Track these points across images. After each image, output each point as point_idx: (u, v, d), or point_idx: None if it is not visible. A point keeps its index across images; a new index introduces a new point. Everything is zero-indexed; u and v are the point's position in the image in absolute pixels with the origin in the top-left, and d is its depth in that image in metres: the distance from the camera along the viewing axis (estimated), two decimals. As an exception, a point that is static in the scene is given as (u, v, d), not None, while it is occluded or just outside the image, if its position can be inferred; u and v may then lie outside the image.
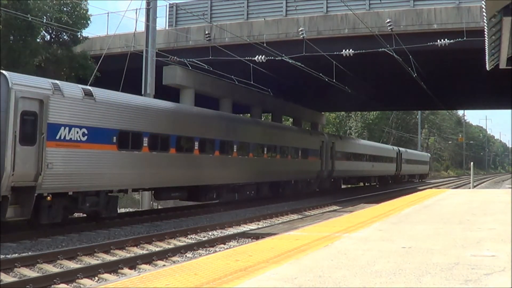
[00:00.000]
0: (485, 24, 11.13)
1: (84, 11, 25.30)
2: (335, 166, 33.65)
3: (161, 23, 43.43)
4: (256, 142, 24.47)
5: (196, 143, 19.57)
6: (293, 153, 28.14)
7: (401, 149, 54.81)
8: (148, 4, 20.54)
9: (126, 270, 10.51)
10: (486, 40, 12.48)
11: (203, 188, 20.25)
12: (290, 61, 22.04)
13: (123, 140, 15.74)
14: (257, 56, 21.66)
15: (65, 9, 24.62)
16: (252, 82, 24.24)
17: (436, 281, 5.12)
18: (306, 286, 4.96)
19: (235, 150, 22.21)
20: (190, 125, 19.39)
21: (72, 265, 10.94)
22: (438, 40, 19.87)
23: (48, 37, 25.92)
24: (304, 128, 39.50)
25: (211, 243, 13.62)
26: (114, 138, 15.36)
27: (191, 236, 15.12)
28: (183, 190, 19.22)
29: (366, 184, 46.25)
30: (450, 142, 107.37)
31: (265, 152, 25.20)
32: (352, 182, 43.20)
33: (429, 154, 74.87)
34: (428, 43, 20.22)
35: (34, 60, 22.85)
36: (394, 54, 21.35)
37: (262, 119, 37.07)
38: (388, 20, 20.90)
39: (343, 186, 41.85)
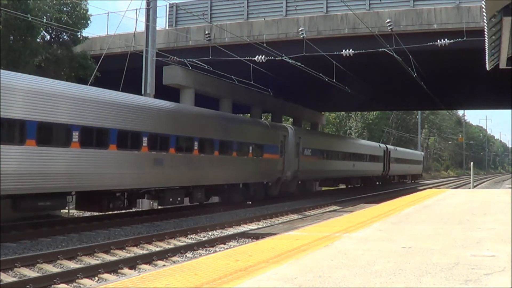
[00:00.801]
0: (485, 24, 11.13)
1: (84, 11, 25.29)
2: (301, 165, 28.68)
3: (161, 23, 43.48)
4: (181, 134, 19.16)
5: (75, 133, 14.50)
6: (241, 150, 22.95)
7: (389, 146, 50.88)
8: (148, 4, 20.53)
9: (126, 270, 10.52)
10: (486, 40, 12.49)
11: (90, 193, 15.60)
12: (290, 61, 22.03)
13: None
14: (257, 56, 21.66)
15: (65, 9, 24.62)
16: (252, 82, 24.24)
17: (436, 281, 5.11)
18: (306, 286, 4.96)
19: (144, 145, 16.99)
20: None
21: (72, 265, 10.95)
22: (438, 40, 19.87)
23: (48, 37, 25.91)
24: (261, 120, 30.78)
25: (211, 243, 13.63)
26: None
27: (191, 236, 15.12)
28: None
29: (349, 186, 42.17)
30: (450, 142, 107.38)
31: (195, 148, 19.82)
32: (331, 183, 38.75)
33: (422, 153, 70.16)
34: (428, 43, 20.22)
35: (34, 60, 22.84)
36: (394, 54, 21.35)
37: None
38: (388, 20, 20.90)
39: (323, 189, 39.00)
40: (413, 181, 60.39)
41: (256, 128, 24.98)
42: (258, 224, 18.15)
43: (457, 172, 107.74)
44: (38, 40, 23.65)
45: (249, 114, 35.23)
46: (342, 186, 41.69)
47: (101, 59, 19.53)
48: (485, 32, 11.82)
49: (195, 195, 20.17)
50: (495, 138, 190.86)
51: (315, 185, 35.19)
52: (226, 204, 22.44)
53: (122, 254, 12.33)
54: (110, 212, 17.99)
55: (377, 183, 47.48)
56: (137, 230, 15.59)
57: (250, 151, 23.61)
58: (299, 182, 29.91)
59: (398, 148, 56.29)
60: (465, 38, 19.75)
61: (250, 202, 24.41)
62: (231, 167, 22.05)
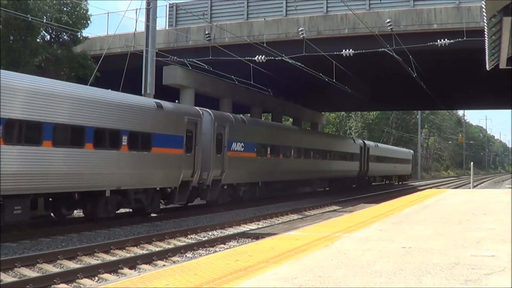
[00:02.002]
0: (485, 24, 11.13)
1: (84, 11, 25.33)
2: (228, 164, 21.24)
3: (161, 23, 43.44)
4: None
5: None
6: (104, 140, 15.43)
7: (368, 142, 43.87)
8: (148, 4, 20.53)
9: (126, 270, 10.51)
10: (486, 40, 12.49)
11: None
12: (290, 61, 22.04)
13: None
14: (257, 56, 21.67)
15: (65, 9, 24.66)
16: (252, 82, 24.24)
17: (436, 281, 5.11)
18: (306, 286, 4.96)
19: None
20: None
21: (72, 265, 10.94)
22: (438, 40, 19.88)
23: (48, 37, 25.95)
24: (146, 98, 19.39)
25: (211, 243, 13.62)
26: None
27: (191, 236, 15.11)
28: None
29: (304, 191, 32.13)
30: (450, 142, 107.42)
31: None
32: (279, 189, 27.30)
33: (411, 151, 62.15)
34: (428, 43, 20.23)
35: (34, 60, 22.87)
36: (394, 54, 21.36)
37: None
38: (388, 20, 20.91)
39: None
40: (400, 183, 53.62)
41: (135, 110, 16.45)
42: (258, 224, 18.14)
43: (457, 172, 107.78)
44: (38, 40, 23.68)
45: (249, 114, 35.25)
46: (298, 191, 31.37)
47: (101, 59, 19.54)
48: (485, 32, 11.83)
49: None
50: (495, 138, 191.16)
51: (256, 190, 24.66)
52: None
53: (122, 254, 12.32)
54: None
55: (353, 185, 39.85)
56: (137, 230, 15.58)
57: (124, 143, 15.86)
58: (225, 187, 21.55)
59: (380, 145, 49.88)
60: (465, 38, 19.77)
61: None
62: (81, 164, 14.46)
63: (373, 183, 46.49)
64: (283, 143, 27.13)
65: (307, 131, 36.95)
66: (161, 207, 18.63)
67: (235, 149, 22.19)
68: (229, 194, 22.46)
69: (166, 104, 18.16)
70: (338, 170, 34.84)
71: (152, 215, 18.21)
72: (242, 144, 22.77)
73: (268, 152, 25.58)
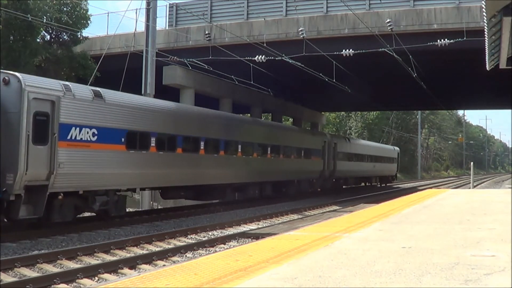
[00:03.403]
0: (485, 24, 11.14)
1: (84, 11, 25.34)
2: (56, 164, 13.71)
3: (161, 23, 43.59)
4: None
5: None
6: None
7: (335, 136, 37.96)
8: (148, 4, 20.54)
9: (126, 270, 10.51)
10: (486, 40, 12.49)
11: None
12: (290, 61, 22.04)
13: None
14: (257, 56, 21.66)
15: (65, 9, 24.66)
16: (252, 82, 24.24)
17: (436, 281, 5.11)
18: (306, 286, 4.96)
19: None
20: None
21: (72, 265, 10.94)
22: (438, 40, 19.88)
23: (48, 37, 25.96)
24: None
25: (211, 243, 13.62)
26: None
27: (191, 236, 15.11)
28: None
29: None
30: (450, 142, 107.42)
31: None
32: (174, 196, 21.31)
33: (397, 148, 54.26)
34: (428, 43, 20.23)
35: (34, 60, 22.87)
36: (394, 54, 21.36)
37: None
38: (388, 20, 20.91)
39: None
40: (383, 185, 47.41)
41: None
42: (258, 224, 18.14)
43: (457, 172, 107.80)
44: (38, 40, 23.68)
45: (249, 114, 35.24)
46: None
47: (101, 59, 19.54)
48: (485, 32, 11.83)
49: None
50: (495, 138, 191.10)
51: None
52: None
53: (122, 254, 12.33)
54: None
55: (313, 189, 31.98)
56: (137, 230, 15.58)
57: None
58: (60, 196, 14.11)
59: (355, 140, 44.06)
60: (465, 38, 19.77)
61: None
62: None
63: (345, 186, 39.02)
64: (181, 131, 18.91)
65: (228, 116, 24.55)
66: None
67: (81, 138, 14.64)
68: (75, 207, 14.91)
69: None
70: (287, 171, 27.10)
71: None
72: (95, 130, 15.09)
73: (153, 143, 17.25)
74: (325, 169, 32.13)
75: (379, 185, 46.55)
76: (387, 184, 48.42)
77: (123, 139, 15.89)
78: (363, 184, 44.18)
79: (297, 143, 28.56)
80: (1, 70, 13.37)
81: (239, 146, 22.85)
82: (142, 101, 17.85)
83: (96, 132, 15.16)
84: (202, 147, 20.00)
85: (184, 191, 20.10)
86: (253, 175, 23.94)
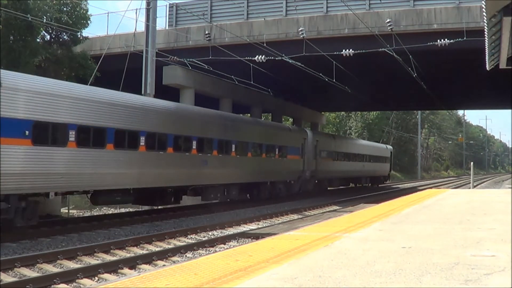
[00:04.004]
0: (485, 24, 11.14)
1: (84, 11, 25.31)
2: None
3: (161, 23, 43.59)
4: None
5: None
6: None
7: (317, 133, 34.94)
8: (148, 4, 20.54)
9: (126, 270, 10.51)
10: (486, 40, 12.49)
11: None
12: (290, 61, 22.04)
13: None
14: (257, 56, 21.66)
15: (65, 9, 24.64)
16: (252, 82, 24.24)
17: (436, 281, 5.11)
18: (306, 286, 4.96)
19: None
20: None
21: (72, 265, 10.95)
22: (438, 40, 19.88)
23: (48, 37, 25.92)
24: None
25: (211, 243, 13.63)
26: None
27: (191, 236, 15.12)
28: None
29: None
30: (450, 142, 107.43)
31: None
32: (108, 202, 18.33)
33: (390, 147, 51.44)
34: (428, 43, 20.23)
35: (34, 60, 22.85)
36: (394, 54, 21.35)
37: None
38: (388, 20, 20.91)
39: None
40: (374, 185, 44.60)
41: None
42: (258, 224, 18.15)
43: (457, 172, 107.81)
44: (38, 40, 23.67)
45: (249, 114, 35.24)
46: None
47: (101, 59, 19.54)
48: (485, 32, 11.83)
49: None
50: (495, 138, 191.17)
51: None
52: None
53: (122, 254, 12.33)
54: (110, 212, 18.07)
55: (299, 191, 29.30)
56: (137, 230, 15.59)
57: None
58: None
59: (341, 137, 41.42)
60: (465, 38, 19.77)
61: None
62: None
63: (330, 188, 35.96)
64: (114, 123, 15.73)
65: (181, 107, 21.21)
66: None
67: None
68: None
69: None
70: (257, 172, 24.16)
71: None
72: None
73: (72, 138, 14.24)
74: (305, 169, 29.27)
75: (368, 185, 43.87)
76: (379, 185, 45.77)
77: (27, 132, 12.98)
78: (352, 185, 41.68)
79: (269, 140, 25.63)
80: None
81: (194, 143, 19.63)
82: (52, 85, 14.20)
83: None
84: (142, 143, 16.76)
85: (120, 194, 16.69)
86: (212, 177, 20.74)
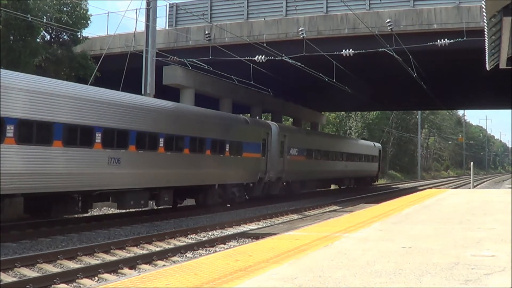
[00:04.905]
0: (485, 24, 11.14)
1: (84, 11, 25.33)
2: None
3: (161, 23, 43.57)
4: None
5: None
6: None
7: (284, 127, 30.84)
8: (148, 4, 20.54)
9: (126, 270, 10.51)
10: (486, 40, 12.50)
11: None
12: (290, 61, 22.04)
13: None
14: (257, 56, 21.67)
15: (65, 9, 24.65)
16: (252, 82, 24.24)
17: (436, 281, 5.11)
18: (306, 286, 4.96)
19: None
20: None
21: (72, 265, 10.94)
22: (438, 40, 19.89)
23: (48, 37, 25.94)
24: None
25: (211, 243, 13.63)
26: None
27: (191, 236, 15.12)
28: None
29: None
30: (450, 142, 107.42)
31: None
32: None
33: (378, 145, 46.96)
34: (428, 43, 20.24)
35: (34, 60, 22.85)
36: (394, 54, 21.36)
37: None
38: (388, 20, 20.92)
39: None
40: (367, 187, 41.28)
41: None
42: (258, 224, 18.14)
43: (457, 172, 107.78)
44: (38, 40, 23.67)
45: (249, 114, 35.24)
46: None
47: (101, 59, 19.55)
48: (485, 32, 11.84)
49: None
50: (495, 138, 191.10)
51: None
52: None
53: (122, 254, 12.33)
54: (110, 212, 18.00)
55: (261, 193, 24.97)
56: (137, 230, 15.59)
57: None
58: None
59: (316, 133, 37.32)
60: (465, 38, 19.77)
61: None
62: None
63: (304, 191, 30.75)
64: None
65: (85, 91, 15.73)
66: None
67: None
68: None
69: None
70: (199, 173, 19.85)
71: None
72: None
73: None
74: (268, 169, 24.84)
75: (353, 186, 39.63)
76: (370, 186, 42.21)
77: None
78: (333, 187, 37.65)
79: (216, 134, 20.98)
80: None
81: (98, 135, 14.92)
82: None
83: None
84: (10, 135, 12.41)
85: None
86: (129, 179, 16.33)
